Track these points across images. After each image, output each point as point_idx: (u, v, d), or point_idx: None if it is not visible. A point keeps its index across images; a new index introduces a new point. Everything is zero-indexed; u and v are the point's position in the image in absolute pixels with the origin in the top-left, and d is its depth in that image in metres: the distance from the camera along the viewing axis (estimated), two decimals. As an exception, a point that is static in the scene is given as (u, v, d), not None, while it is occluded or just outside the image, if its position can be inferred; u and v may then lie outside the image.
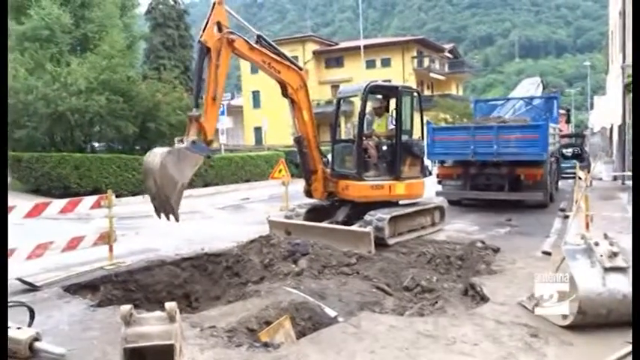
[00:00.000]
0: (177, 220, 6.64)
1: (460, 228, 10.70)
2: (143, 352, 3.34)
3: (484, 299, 5.68)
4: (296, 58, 47.62)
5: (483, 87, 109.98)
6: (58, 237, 7.44)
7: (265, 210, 14.13)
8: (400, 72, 47.29)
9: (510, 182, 13.00)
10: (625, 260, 4.53)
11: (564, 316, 4.62)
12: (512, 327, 4.73)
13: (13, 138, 19.83)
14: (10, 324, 4.24)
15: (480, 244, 8.16)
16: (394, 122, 9.61)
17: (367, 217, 8.67)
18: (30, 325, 4.52)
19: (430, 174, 17.16)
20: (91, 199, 7.58)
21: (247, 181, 24.63)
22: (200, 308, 6.78)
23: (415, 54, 50.91)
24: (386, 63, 49.57)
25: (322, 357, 4.19)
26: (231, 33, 7.43)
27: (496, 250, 7.94)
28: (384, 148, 9.71)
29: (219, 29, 7.30)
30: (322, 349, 4.34)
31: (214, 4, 7.31)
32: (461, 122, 28.04)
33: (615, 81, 22.78)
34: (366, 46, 45.06)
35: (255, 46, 8.01)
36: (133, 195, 17.66)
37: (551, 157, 13.88)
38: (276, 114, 36.77)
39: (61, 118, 18.91)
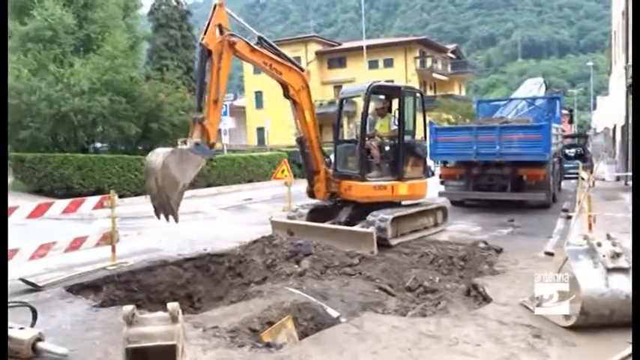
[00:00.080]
0: (176, 221, 6.64)
1: (463, 228, 10.69)
2: (145, 352, 3.35)
3: (486, 300, 5.67)
4: (298, 58, 47.78)
5: (486, 87, 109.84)
6: (61, 237, 7.46)
7: (268, 210, 14.13)
8: (403, 72, 47.25)
9: (513, 183, 12.98)
10: (628, 261, 4.52)
11: (567, 317, 4.61)
12: (514, 327, 4.72)
13: (17, 138, 19.90)
14: (12, 324, 4.25)
15: (482, 245, 8.16)
16: (397, 122, 9.62)
17: (370, 218, 8.66)
18: (32, 325, 4.53)
19: (433, 174, 17.20)
20: (93, 200, 7.59)
21: (250, 181, 24.65)
22: (202, 309, 6.77)
23: (418, 54, 50.87)
24: (388, 63, 49.52)
25: (324, 357, 4.19)
26: (232, 35, 7.43)
27: (499, 251, 7.94)
28: (387, 148, 9.70)
29: (221, 32, 7.31)
30: (324, 349, 4.34)
31: (215, 6, 7.31)
32: (463, 123, 28.00)
33: (618, 81, 22.75)
34: (368, 47, 45.09)
35: (256, 48, 8.00)
36: (136, 195, 17.67)
37: (553, 158, 13.86)
38: (278, 114, 36.74)
39: (64, 118, 18.96)
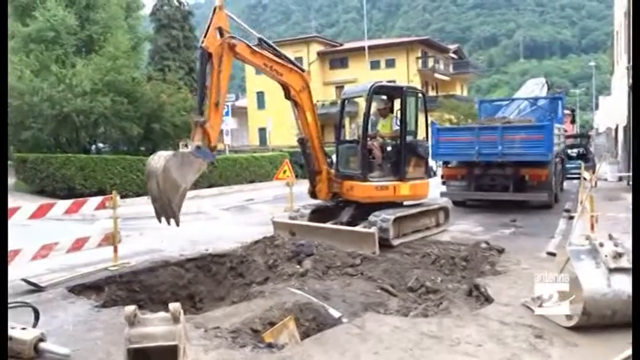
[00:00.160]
0: (177, 224, 6.66)
1: (464, 229, 10.68)
2: (147, 352, 3.35)
3: (488, 300, 5.67)
4: (300, 59, 47.87)
5: (488, 87, 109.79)
6: (63, 238, 7.48)
7: (270, 211, 14.13)
8: (405, 72, 47.22)
9: (515, 183, 12.97)
10: (630, 261, 4.51)
11: (569, 317, 4.61)
12: (516, 328, 4.72)
13: (19, 139, 19.93)
14: (15, 324, 4.26)
15: (484, 245, 8.14)
16: (399, 123, 9.61)
17: (371, 218, 8.66)
18: (35, 325, 4.54)
19: (434, 175, 17.16)
20: (95, 200, 7.60)
21: (252, 182, 24.63)
22: (204, 309, 6.78)
23: (420, 54, 50.85)
24: (390, 64, 49.50)
25: (326, 358, 4.19)
26: (233, 38, 7.43)
27: (500, 251, 7.93)
28: (389, 148, 9.70)
29: (221, 34, 7.30)
30: (326, 349, 4.34)
31: (215, 9, 7.31)
32: (465, 123, 27.99)
33: (620, 81, 22.71)
34: (370, 47, 45.11)
35: (256, 49, 8.00)
36: (138, 196, 17.68)
37: (556, 158, 13.85)
38: (280, 115, 36.73)
39: (66, 119, 18.97)
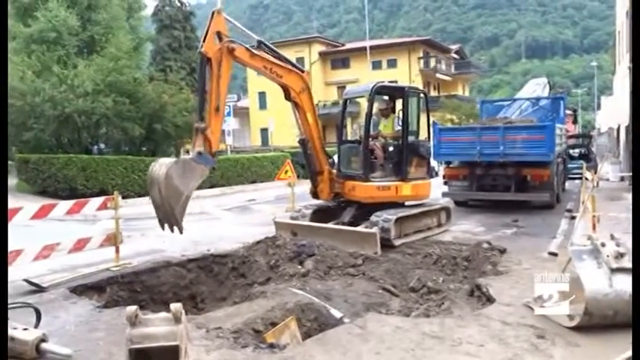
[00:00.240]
0: (180, 231, 6.70)
1: (466, 229, 10.67)
2: (148, 353, 3.35)
3: (490, 300, 5.67)
4: (302, 59, 47.88)
5: (490, 88, 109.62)
6: (65, 238, 7.48)
7: (271, 211, 14.14)
8: (406, 73, 47.19)
9: (517, 183, 12.96)
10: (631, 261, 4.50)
11: (571, 317, 4.61)
12: (518, 328, 4.71)
13: (21, 140, 19.96)
14: (16, 325, 4.27)
15: (486, 245, 8.14)
16: (400, 123, 9.60)
17: (373, 218, 8.66)
18: (36, 326, 4.55)
19: (436, 175, 17.17)
20: (97, 201, 7.61)
21: (253, 182, 24.64)
22: (206, 309, 6.78)
23: (421, 55, 50.80)
24: (392, 64, 49.46)
25: (328, 358, 4.19)
26: (232, 42, 7.41)
27: (502, 251, 7.92)
28: (391, 149, 9.70)
29: (220, 38, 7.29)
30: (328, 350, 4.34)
31: (213, 13, 7.29)
32: (467, 123, 27.97)
33: (622, 81, 22.66)
34: (372, 47, 45.07)
35: (255, 52, 7.99)
36: (140, 196, 17.69)
37: (557, 158, 13.84)
38: (282, 115, 36.70)
39: (67, 119, 18.99)
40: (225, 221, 13.94)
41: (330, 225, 8.98)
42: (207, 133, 7.00)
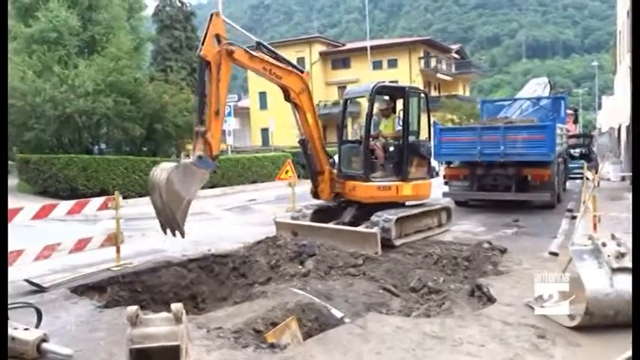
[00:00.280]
0: (182, 236, 6.72)
1: (467, 229, 10.67)
2: (149, 353, 3.35)
3: (491, 300, 5.67)
4: (303, 59, 47.87)
5: (490, 87, 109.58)
6: (66, 238, 7.48)
7: (272, 211, 14.14)
8: (407, 73, 47.18)
9: (517, 183, 12.95)
10: (633, 261, 4.50)
11: (571, 317, 4.60)
12: (519, 328, 4.71)
13: (22, 140, 19.98)
14: (17, 325, 4.27)
15: (486, 245, 8.13)
16: (401, 123, 9.60)
17: (374, 218, 8.65)
18: (37, 326, 4.55)
19: (437, 175, 17.18)
20: (98, 201, 7.62)
21: (254, 182, 24.65)
22: (206, 309, 6.78)
23: (422, 55, 50.79)
24: (393, 64, 49.45)
25: (328, 358, 4.19)
26: (231, 44, 7.41)
27: (503, 251, 7.91)
28: (391, 149, 9.70)
29: (219, 41, 7.28)
30: (328, 349, 4.34)
31: (212, 16, 7.28)
32: (468, 123, 27.95)
33: (623, 81, 22.64)
34: (372, 47, 45.02)
35: (254, 54, 7.98)
36: (140, 196, 17.69)
37: (558, 158, 13.82)
38: (283, 115, 36.63)
39: (68, 120, 19.00)
40: (226, 221, 13.95)
41: (330, 225, 8.98)
42: (208, 137, 6.99)
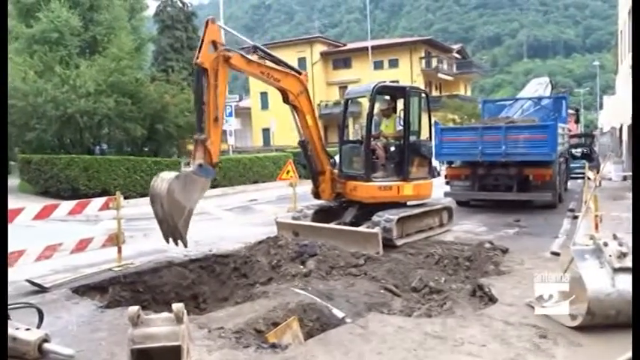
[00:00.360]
0: (185, 245, 6.73)
1: (468, 229, 10.66)
2: (150, 353, 3.35)
3: (492, 300, 5.66)
4: (304, 59, 47.88)
5: (491, 87, 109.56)
6: (67, 239, 7.48)
7: (273, 211, 14.14)
8: (408, 73, 47.18)
9: (519, 183, 12.94)
10: (634, 261, 4.49)
11: (573, 317, 4.60)
12: (520, 328, 4.71)
13: (23, 140, 20.01)
14: (19, 325, 4.27)
15: (488, 245, 8.13)
16: (402, 123, 9.59)
17: (375, 218, 8.65)
18: (39, 326, 4.55)
19: (438, 175, 17.16)
20: (99, 201, 7.62)
21: (255, 182, 24.67)
22: (208, 309, 6.78)
23: (423, 55, 50.79)
24: (394, 64, 49.46)
25: (330, 358, 4.19)
26: (227, 50, 7.39)
27: (504, 251, 7.91)
28: (392, 149, 9.70)
29: (215, 47, 7.25)
30: (330, 350, 4.34)
31: (207, 22, 7.25)
32: (469, 123, 27.94)
33: (624, 80, 22.64)
34: (373, 47, 45.07)
35: (252, 59, 7.96)
36: (142, 197, 17.69)
37: (560, 158, 13.81)
38: (284, 115, 36.60)
39: (69, 120, 19.02)
40: (227, 221, 13.95)
41: (331, 225, 8.99)
42: (207, 145, 6.98)
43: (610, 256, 4.53)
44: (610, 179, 19.36)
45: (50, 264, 7.29)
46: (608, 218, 9.12)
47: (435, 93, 49.36)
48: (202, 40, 7.13)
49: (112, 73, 20.00)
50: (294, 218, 9.65)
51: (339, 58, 52.86)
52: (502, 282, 6.28)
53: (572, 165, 18.48)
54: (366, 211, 9.18)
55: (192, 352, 3.64)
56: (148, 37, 35.24)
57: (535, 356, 4.14)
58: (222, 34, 7.62)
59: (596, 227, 7.75)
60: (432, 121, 11.07)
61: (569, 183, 17.41)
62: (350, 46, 55.93)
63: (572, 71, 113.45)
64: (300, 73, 8.76)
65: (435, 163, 13.65)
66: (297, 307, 5.41)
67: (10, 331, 4.12)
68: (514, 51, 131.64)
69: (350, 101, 10.52)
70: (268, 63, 8.27)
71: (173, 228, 6.51)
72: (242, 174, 24.19)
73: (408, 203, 9.69)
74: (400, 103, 9.79)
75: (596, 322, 4.48)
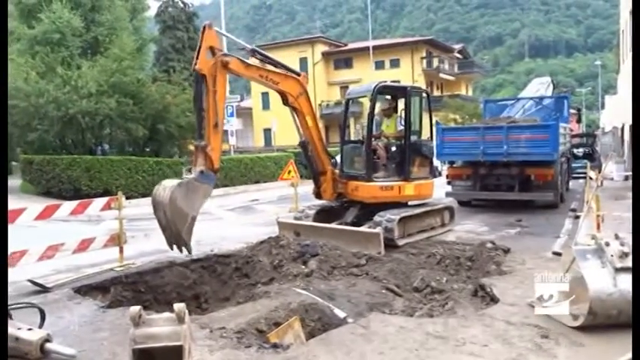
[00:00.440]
0: (189, 252, 6.74)
1: (470, 229, 10.66)
2: (152, 353, 3.36)
3: (494, 300, 5.66)
4: (305, 59, 47.92)
5: (493, 87, 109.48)
6: (69, 239, 7.50)
7: (274, 211, 14.15)
8: (409, 73, 47.18)
9: (520, 182, 12.93)
10: (636, 260, 4.49)
11: (575, 317, 4.59)
12: (522, 328, 4.71)
13: (25, 141, 20.04)
14: (21, 325, 4.28)
15: (489, 245, 8.13)
16: (403, 123, 9.60)
17: (376, 218, 8.65)
18: (41, 326, 4.56)
19: (440, 174, 17.16)
20: (101, 201, 7.63)
21: (256, 182, 24.68)
22: (209, 309, 6.78)
23: (424, 54, 50.79)
24: (395, 64, 49.47)
25: (331, 358, 4.19)
26: (225, 55, 7.40)
27: (506, 251, 7.91)
28: (393, 148, 9.71)
29: (213, 53, 7.25)
30: (331, 350, 4.34)
31: (204, 28, 7.23)
32: (470, 123, 27.92)
33: (626, 80, 22.61)
34: (375, 47, 45.10)
35: (250, 63, 7.97)
36: (143, 197, 17.71)
37: (561, 157, 13.80)
38: (285, 115, 36.53)
39: (71, 120, 19.03)
40: (229, 221, 13.96)
41: (333, 225, 8.99)
42: (208, 151, 6.99)
43: (612, 255, 4.53)
44: (612, 179, 19.33)
45: (52, 264, 7.31)
46: (609, 218, 9.11)
47: (436, 93, 49.36)
48: (200, 46, 7.10)
49: (113, 73, 20.00)
50: (295, 218, 9.67)
51: (340, 58, 52.89)
52: (504, 282, 6.28)
53: (573, 165, 18.47)
54: (368, 211, 9.18)
55: (193, 352, 3.64)
56: (150, 38, 35.26)
57: (537, 356, 4.14)
58: (221, 39, 7.60)
59: (598, 227, 7.74)
60: (434, 121, 11.06)
61: (570, 183, 17.40)
62: (351, 46, 55.95)
63: (573, 71, 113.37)
64: (299, 75, 8.75)
65: (436, 162, 13.64)
66: (298, 307, 5.41)
67: (13, 330, 4.13)
68: (515, 51, 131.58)
69: (351, 101, 10.52)
70: (267, 66, 8.28)
71: (176, 235, 6.53)
72: (243, 174, 24.20)
73: (410, 203, 9.69)
74: (401, 103, 9.79)
75: (597, 322, 4.47)
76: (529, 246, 8.54)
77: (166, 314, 3.53)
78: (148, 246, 9.34)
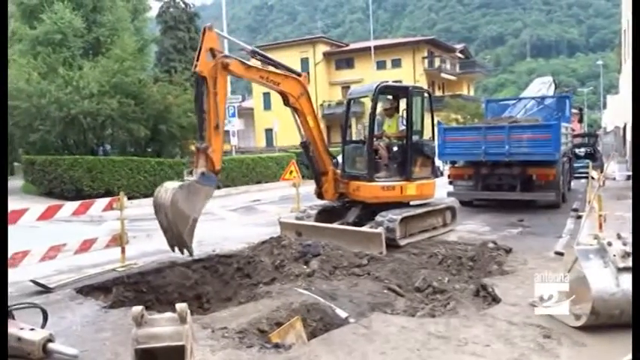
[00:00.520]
0: (191, 254, 6.76)
1: (472, 229, 10.66)
2: (154, 353, 3.36)
3: (496, 300, 5.66)
4: (306, 59, 47.93)
5: (495, 87, 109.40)
6: (71, 239, 7.50)
7: (276, 211, 14.14)
8: (411, 73, 47.17)
9: (522, 182, 12.91)
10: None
11: (577, 317, 4.59)
12: (524, 328, 4.70)
13: (27, 141, 20.06)
14: (23, 325, 4.29)
15: (491, 245, 8.12)
16: (405, 123, 9.59)
17: (378, 218, 8.65)
18: (43, 326, 4.56)
19: (441, 174, 17.15)
20: (103, 202, 7.63)
21: (258, 182, 24.68)
22: (211, 309, 6.78)
23: (426, 54, 50.77)
24: (396, 64, 49.46)
25: (333, 358, 4.19)
26: (226, 56, 7.40)
27: (508, 251, 7.90)
28: (395, 148, 9.70)
29: (213, 55, 7.25)
30: (333, 349, 4.34)
31: (205, 30, 7.24)
32: (472, 122, 27.90)
33: (628, 80, 22.57)
34: (376, 47, 45.11)
35: (250, 64, 7.97)
36: (145, 197, 17.72)
37: (563, 157, 13.79)
38: (286, 116, 36.57)
39: (73, 121, 19.04)
40: (230, 221, 13.96)
41: (335, 225, 8.99)
42: (209, 152, 7.01)
43: (614, 255, 4.52)
44: (614, 179, 19.31)
45: (54, 264, 7.31)
46: (611, 218, 9.08)
47: (438, 93, 49.34)
48: (200, 48, 7.11)
49: (115, 74, 20.00)
50: (297, 218, 9.66)
51: (341, 59, 52.89)
52: (506, 282, 6.28)
53: (575, 164, 18.45)
54: (369, 211, 9.18)
55: (195, 352, 3.64)
56: (151, 38, 35.26)
57: (539, 356, 4.13)
58: (221, 41, 7.61)
59: (600, 227, 7.73)
60: (435, 121, 11.06)
61: (572, 183, 17.39)
62: (353, 46, 55.96)
63: (575, 70, 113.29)
64: (299, 75, 8.75)
65: (438, 162, 13.65)
66: (300, 307, 5.41)
67: (15, 331, 4.14)
68: (517, 50, 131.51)
69: (352, 101, 10.52)
70: (267, 67, 8.28)
71: (178, 237, 6.55)
72: (245, 174, 24.21)
73: (411, 203, 9.69)
74: (403, 103, 9.80)
75: (600, 322, 4.47)
76: (531, 246, 8.53)
77: (168, 314, 3.54)
78: (149, 246, 9.34)
